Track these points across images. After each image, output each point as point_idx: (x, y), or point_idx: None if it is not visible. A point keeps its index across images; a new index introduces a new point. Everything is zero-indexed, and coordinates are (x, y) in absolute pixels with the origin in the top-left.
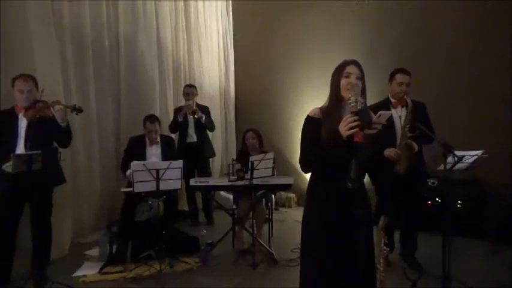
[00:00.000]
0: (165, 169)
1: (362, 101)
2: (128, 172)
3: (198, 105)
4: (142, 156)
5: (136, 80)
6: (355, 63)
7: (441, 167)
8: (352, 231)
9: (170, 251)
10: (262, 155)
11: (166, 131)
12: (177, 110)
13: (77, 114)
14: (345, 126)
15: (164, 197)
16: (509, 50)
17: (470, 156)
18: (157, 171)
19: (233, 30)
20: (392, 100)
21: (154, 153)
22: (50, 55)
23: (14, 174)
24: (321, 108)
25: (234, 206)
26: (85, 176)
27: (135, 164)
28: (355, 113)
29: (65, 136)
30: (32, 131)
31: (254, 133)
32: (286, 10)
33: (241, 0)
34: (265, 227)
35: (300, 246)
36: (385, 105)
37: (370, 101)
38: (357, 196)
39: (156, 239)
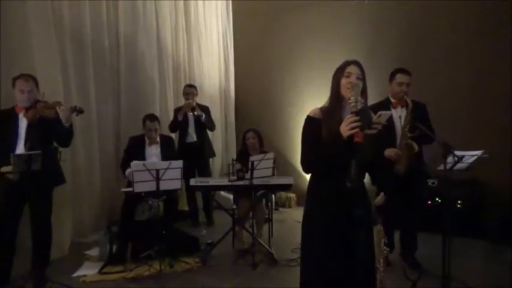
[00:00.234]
0: (165, 169)
1: (362, 101)
2: (128, 171)
3: (198, 105)
4: (141, 156)
5: (136, 80)
6: (356, 63)
7: (441, 167)
8: (352, 231)
9: (170, 251)
10: (262, 155)
11: (166, 131)
12: (177, 110)
13: (77, 115)
14: (346, 126)
15: (164, 197)
16: (509, 50)
17: (470, 156)
18: (157, 171)
19: (233, 30)
20: (393, 100)
21: (153, 152)
22: (50, 55)
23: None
24: (321, 108)
25: (234, 206)
26: (85, 176)
27: (135, 164)
28: (355, 113)
29: (67, 136)
30: (32, 131)
31: (254, 133)
32: (286, 10)
33: (241, 0)
34: (265, 227)
35: (300, 246)
36: (385, 105)
37: (370, 101)
38: (357, 196)
39: (156, 239)
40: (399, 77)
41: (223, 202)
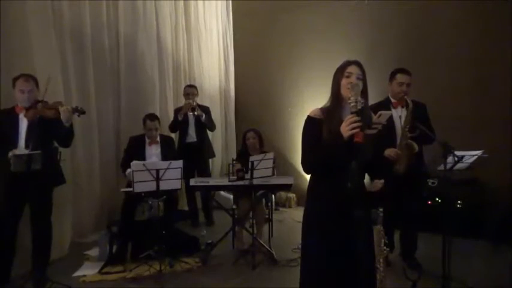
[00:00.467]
0: (165, 169)
1: (362, 101)
2: (128, 171)
3: (198, 105)
4: (142, 156)
5: (136, 80)
6: (356, 63)
7: (441, 167)
8: (352, 231)
9: (170, 251)
10: (262, 155)
11: (166, 131)
12: (177, 110)
13: (79, 116)
14: (347, 127)
15: (164, 197)
16: (509, 50)
17: (470, 156)
18: (157, 171)
19: (233, 30)
20: (393, 100)
21: (153, 152)
22: (49, 55)
23: (14, 174)
24: (321, 109)
25: (234, 206)
26: (85, 176)
27: (135, 164)
28: (356, 113)
29: (67, 136)
30: (32, 131)
31: (254, 133)
32: (286, 10)
33: (241, 0)
34: (265, 227)
35: (300, 246)
36: (385, 105)
37: (371, 101)
38: (357, 196)
39: (156, 239)
40: (399, 77)
41: (223, 202)
